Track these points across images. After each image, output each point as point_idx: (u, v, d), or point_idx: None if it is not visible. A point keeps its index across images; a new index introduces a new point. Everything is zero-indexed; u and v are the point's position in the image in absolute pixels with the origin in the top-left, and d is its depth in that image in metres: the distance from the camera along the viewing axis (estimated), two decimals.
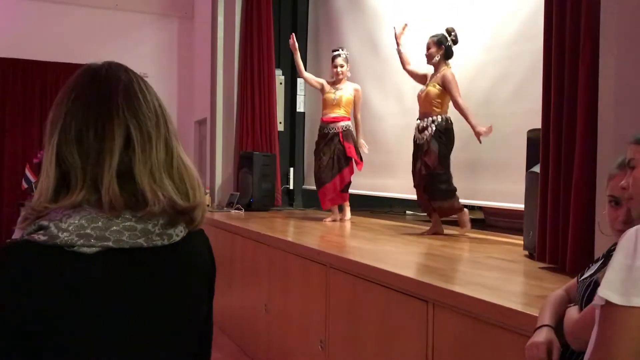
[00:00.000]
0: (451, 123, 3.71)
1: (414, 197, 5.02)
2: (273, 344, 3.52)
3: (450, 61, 3.79)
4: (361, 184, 5.09)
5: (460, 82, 4.27)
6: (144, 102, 0.89)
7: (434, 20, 4.66)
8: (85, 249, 0.82)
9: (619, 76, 2.10)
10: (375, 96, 5.27)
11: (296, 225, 4.58)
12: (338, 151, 4.51)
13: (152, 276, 0.87)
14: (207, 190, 6.35)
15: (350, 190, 4.79)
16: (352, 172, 4.57)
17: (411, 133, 5.02)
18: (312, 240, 3.47)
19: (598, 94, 2.19)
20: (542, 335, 1.38)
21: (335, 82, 4.64)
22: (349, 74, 4.65)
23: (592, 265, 1.47)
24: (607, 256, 1.44)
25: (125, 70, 0.93)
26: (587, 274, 1.44)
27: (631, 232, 1.04)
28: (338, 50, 4.67)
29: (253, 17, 6.06)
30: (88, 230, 0.81)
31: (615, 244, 1.42)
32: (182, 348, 0.91)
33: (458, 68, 4.29)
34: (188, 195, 0.89)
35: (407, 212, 5.63)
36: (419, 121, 3.81)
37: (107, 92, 0.88)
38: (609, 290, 1.01)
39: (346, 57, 4.64)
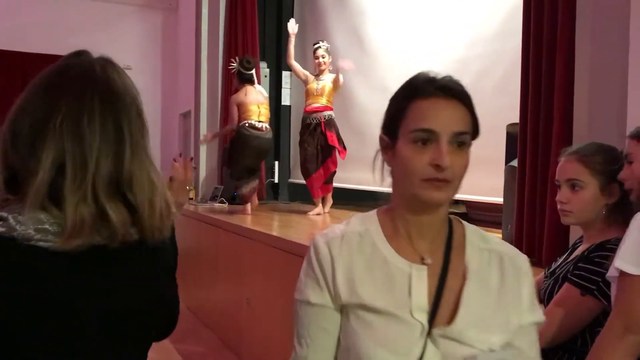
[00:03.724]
0: (240, 134, 4.57)
1: None
2: (255, 337, 3.53)
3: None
4: (347, 178, 5.10)
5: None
6: (90, 115, 0.83)
7: (418, 15, 4.67)
8: (42, 244, 0.81)
9: (593, 73, 2.13)
10: (360, 91, 5.28)
11: (280, 219, 4.59)
12: (321, 141, 4.51)
13: (112, 271, 0.87)
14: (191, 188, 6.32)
15: (336, 184, 4.79)
16: (336, 163, 4.58)
17: None
18: (295, 234, 3.48)
19: (573, 90, 2.22)
20: None
21: (318, 74, 4.66)
22: (331, 67, 4.64)
23: (558, 258, 1.50)
24: (572, 250, 1.47)
25: (92, 68, 0.87)
26: (552, 268, 1.47)
27: None
28: (318, 43, 4.68)
29: (238, 10, 6.03)
30: (46, 226, 0.81)
31: (580, 237, 1.46)
32: (141, 341, 0.91)
33: (441, 62, 4.31)
34: (137, 212, 0.85)
35: None
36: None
37: (54, 97, 0.84)
38: (624, 261, 1.12)
39: (327, 48, 4.65)
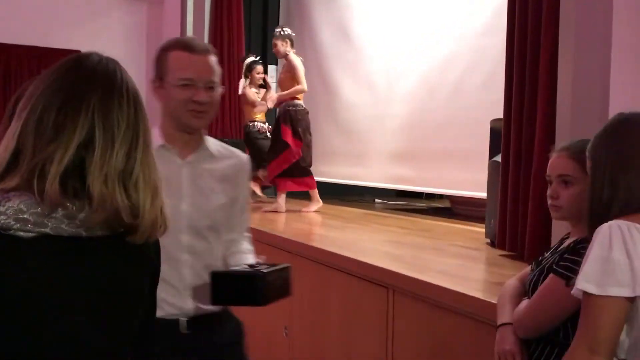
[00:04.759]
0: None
1: (384, 185, 5.06)
2: None
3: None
4: (332, 172, 5.11)
5: (430, 71, 4.31)
6: (119, 106, 0.87)
7: (405, 10, 4.68)
8: (21, 234, 0.81)
9: (576, 70, 2.15)
10: (346, 85, 5.28)
11: (263, 213, 4.57)
12: (276, 134, 4.28)
13: (89, 265, 0.87)
14: None
15: (321, 179, 4.76)
16: (287, 160, 4.20)
17: (382, 122, 5.07)
18: (278, 228, 3.48)
19: (557, 86, 2.24)
20: (510, 341, 1.40)
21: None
22: (291, 50, 4.30)
23: (546, 253, 1.52)
24: (560, 244, 1.49)
25: (114, 67, 0.91)
26: (539, 260, 1.48)
27: (605, 227, 1.12)
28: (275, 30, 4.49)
29: (223, 3, 5.99)
30: (26, 215, 0.81)
31: (568, 234, 1.48)
32: (117, 336, 0.90)
33: (428, 58, 4.33)
34: (137, 210, 0.87)
35: (377, 200, 5.68)
36: None
37: (84, 85, 0.86)
38: (587, 282, 1.10)
39: (280, 33, 4.32)
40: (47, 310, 0.83)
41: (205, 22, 6.23)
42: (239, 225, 1.60)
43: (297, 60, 4.28)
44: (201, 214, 1.48)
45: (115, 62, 0.92)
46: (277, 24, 6.31)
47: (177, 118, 1.49)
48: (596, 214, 1.19)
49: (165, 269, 1.28)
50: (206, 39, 6.19)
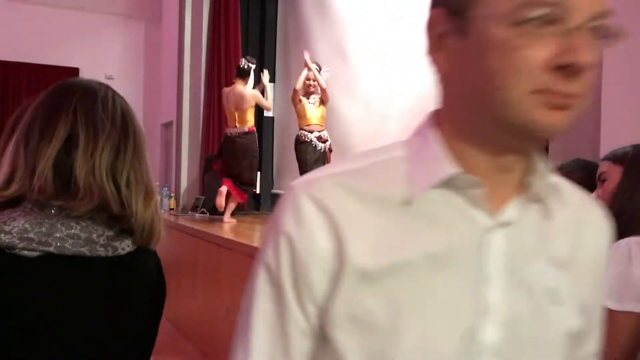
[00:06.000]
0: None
1: None
2: None
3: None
4: None
5: (426, 89, 4.34)
6: (102, 107, 0.89)
7: (400, 26, 4.74)
8: (25, 253, 0.81)
9: None
10: (342, 102, 5.32)
11: (260, 229, 4.58)
12: None
13: (92, 285, 0.87)
14: (170, 193, 6.28)
15: None
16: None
17: (378, 139, 5.09)
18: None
19: None
20: None
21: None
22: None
23: None
24: None
25: (98, 82, 0.94)
26: None
27: (623, 243, 1.12)
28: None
29: (221, 20, 6.04)
30: (31, 235, 0.81)
31: None
32: (117, 357, 0.91)
33: (424, 75, 4.37)
34: (129, 205, 0.88)
35: None
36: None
37: (65, 94, 0.89)
38: (605, 296, 1.07)
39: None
40: (53, 329, 0.83)
41: (202, 40, 6.29)
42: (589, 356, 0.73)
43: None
44: (526, 350, 0.60)
45: (102, 82, 0.95)
46: (274, 45, 6.37)
47: (499, 112, 0.54)
48: (625, 213, 1.17)
49: None
50: (203, 58, 6.24)
